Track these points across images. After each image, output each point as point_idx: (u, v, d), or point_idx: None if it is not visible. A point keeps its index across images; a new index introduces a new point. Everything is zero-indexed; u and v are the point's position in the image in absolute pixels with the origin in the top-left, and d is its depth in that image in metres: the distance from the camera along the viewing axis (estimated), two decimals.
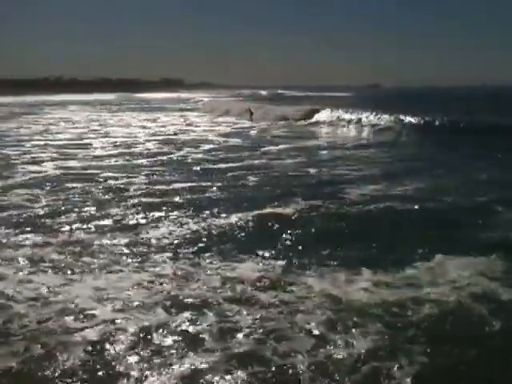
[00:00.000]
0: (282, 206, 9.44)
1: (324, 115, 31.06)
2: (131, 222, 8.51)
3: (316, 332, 4.79)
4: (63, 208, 9.54)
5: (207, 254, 6.92)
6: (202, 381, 4.10)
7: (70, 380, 4.12)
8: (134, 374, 4.18)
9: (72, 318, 5.11)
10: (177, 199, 10.23)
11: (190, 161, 16.06)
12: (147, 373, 4.18)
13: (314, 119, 31.27)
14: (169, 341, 4.68)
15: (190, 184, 11.83)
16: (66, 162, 15.70)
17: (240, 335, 4.76)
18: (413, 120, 24.94)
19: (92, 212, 9.21)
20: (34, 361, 4.36)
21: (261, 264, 6.55)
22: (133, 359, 4.38)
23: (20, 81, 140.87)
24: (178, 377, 4.13)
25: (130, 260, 6.74)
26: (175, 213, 9.04)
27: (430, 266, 6.38)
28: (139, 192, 10.96)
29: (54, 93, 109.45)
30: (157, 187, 11.47)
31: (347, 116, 29.14)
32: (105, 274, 6.24)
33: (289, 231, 7.84)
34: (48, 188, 11.56)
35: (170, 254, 6.93)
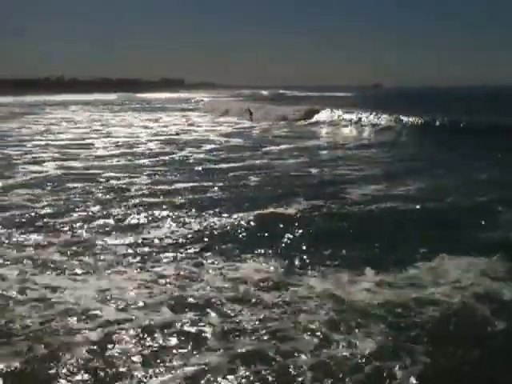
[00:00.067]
0: (284, 206, 9.45)
1: (324, 115, 31.12)
2: (133, 222, 8.52)
3: (319, 332, 4.80)
4: (65, 208, 9.55)
5: (210, 254, 6.93)
6: (205, 380, 4.10)
7: (73, 380, 4.12)
8: (138, 374, 4.18)
9: (75, 318, 5.12)
10: (179, 199, 10.24)
11: (191, 161, 16.07)
12: (151, 373, 4.19)
13: (314, 119, 31.33)
14: (172, 341, 4.69)
15: (192, 184, 11.85)
16: (67, 162, 15.70)
17: (243, 335, 4.77)
18: (413, 120, 24.96)
19: (94, 212, 9.22)
20: (37, 361, 4.36)
21: (263, 264, 6.56)
22: (136, 359, 4.39)
23: (20, 81, 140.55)
24: (181, 377, 4.14)
25: (132, 260, 6.76)
26: (177, 213, 9.05)
27: (431, 266, 6.40)
28: (141, 192, 10.98)
29: (55, 93, 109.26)
30: (159, 187, 11.48)
31: (347, 116, 29.21)
32: (108, 275, 6.26)
33: (291, 231, 7.86)
34: (49, 188, 11.56)
35: (172, 254, 6.94)
